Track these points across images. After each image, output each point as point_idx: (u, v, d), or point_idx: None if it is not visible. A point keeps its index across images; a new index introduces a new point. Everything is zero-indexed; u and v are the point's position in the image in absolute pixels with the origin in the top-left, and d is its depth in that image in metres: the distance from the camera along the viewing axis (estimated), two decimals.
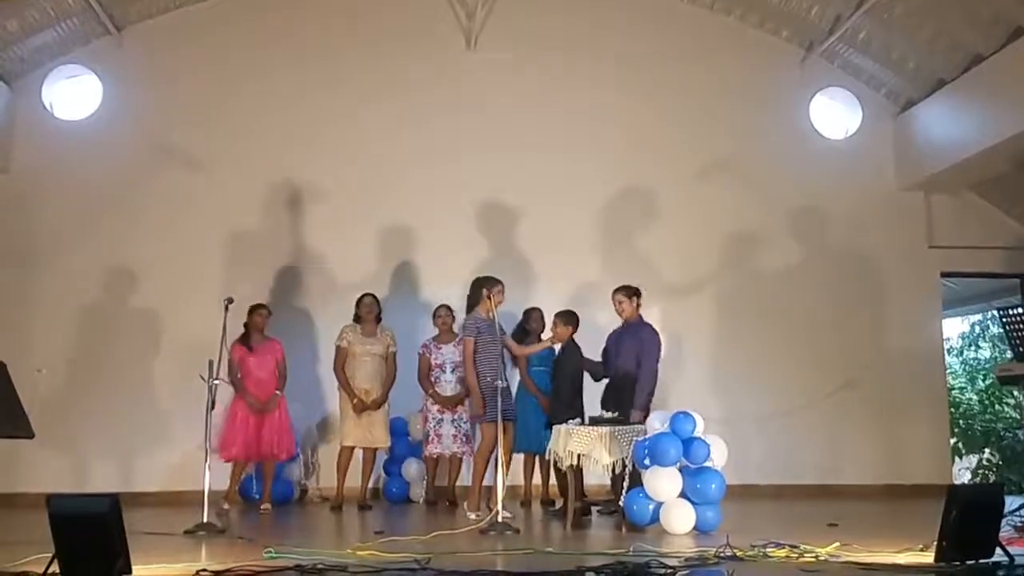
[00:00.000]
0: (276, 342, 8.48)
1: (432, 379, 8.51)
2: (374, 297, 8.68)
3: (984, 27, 9.12)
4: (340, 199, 9.80)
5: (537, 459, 8.38)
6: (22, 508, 7.94)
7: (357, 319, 8.60)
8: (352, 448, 8.47)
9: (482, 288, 7.50)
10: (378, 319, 8.62)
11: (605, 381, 7.75)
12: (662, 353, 7.60)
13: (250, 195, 9.73)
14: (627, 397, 7.25)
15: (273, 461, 8.35)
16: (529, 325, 8.53)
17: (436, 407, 8.44)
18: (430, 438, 8.45)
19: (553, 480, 8.16)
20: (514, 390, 8.31)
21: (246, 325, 8.30)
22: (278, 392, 8.30)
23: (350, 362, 8.47)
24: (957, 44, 9.54)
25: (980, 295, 12.88)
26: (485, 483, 7.62)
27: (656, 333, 7.55)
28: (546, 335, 8.15)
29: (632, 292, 7.61)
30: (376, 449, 8.57)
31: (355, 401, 8.35)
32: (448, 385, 8.44)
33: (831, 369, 10.05)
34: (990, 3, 8.92)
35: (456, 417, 8.39)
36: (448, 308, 8.62)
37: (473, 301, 7.67)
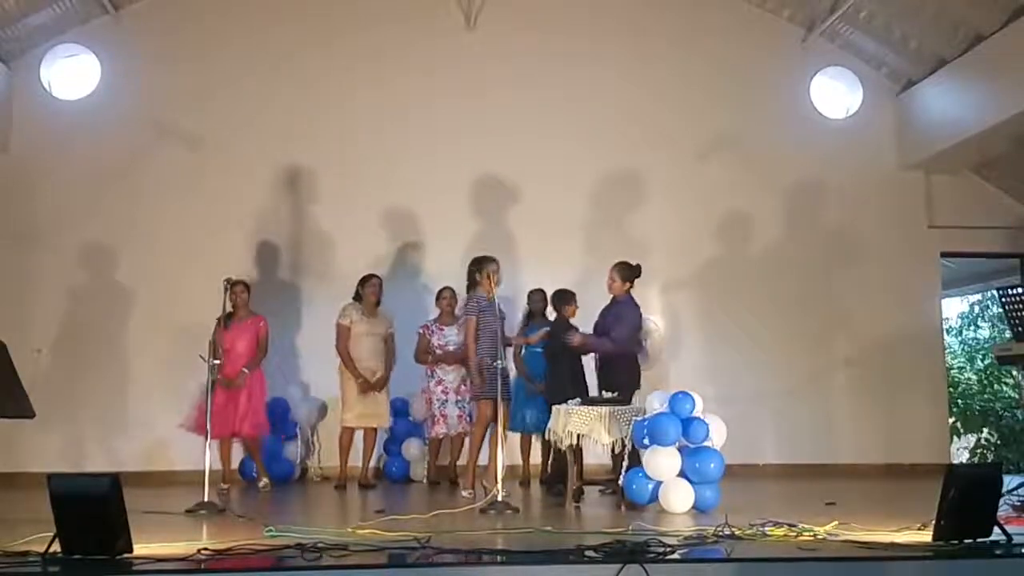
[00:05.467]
0: (259, 319, 8.41)
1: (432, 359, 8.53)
2: (380, 279, 8.71)
3: (985, 6, 9.08)
4: (339, 179, 9.79)
5: (536, 439, 8.38)
6: (23, 488, 7.95)
7: (358, 298, 8.60)
8: (353, 429, 8.53)
9: (478, 269, 7.56)
10: (379, 301, 8.64)
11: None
12: (643, 326, 7.67)
13: (249, 175, 9.70)
14: (614, 373, 7.31)
15: (247, 438, 8.33)
16: (532, 306, 8.54)
17: (440, 388, 8.42)
18: (436, 419, 8.42)
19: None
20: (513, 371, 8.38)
21: (233, 304, 8.25)
22: (244, 370, 8.21)
23: (352, 341, 8.49)
24: (958, 23, 9.50)
25: (980, 275, 12.88)
26: (482, 462, 7.65)
27: (636, 307, 7.57)
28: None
29: (629, 274, 7.60)
30: (376, 428, 8.61)
31: (360, 380, 8.39)
32: (451, 367, 8.41)
33: (830, 349, 10.08)
34: None
35: (460, 398, 8.39)
36: (452, 290, 8.60)
37: (472, 283, 7.71)
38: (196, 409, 7.97)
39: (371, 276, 8.69)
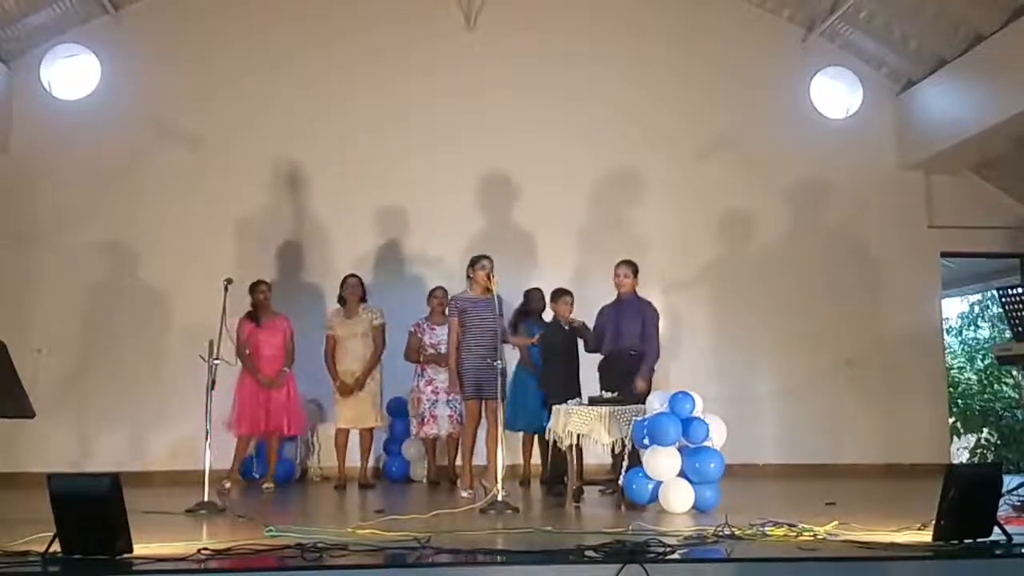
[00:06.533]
0: (284, 318, 8.47)
1: (423, 359, 8.54)
2: (358, 278, 8.65)
3: (985, 6, 9.08)
4: (340, 178, 9.79)
5: (536, 438, 8.37)
6: (23, 487, 7.96)
7: (341, 300, 8.59)
8: (346, 430, 8.53)
9: (470, 267, 7.49)
10: (363, 299, 8.60)
11: (598, 357, 7.82)
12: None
13: (250, 173, 9.71)
14: (631, 371, 7.33)
15: (279, 437, 8.39)
16: (529, 305, 8.50)
17: (430, 388, 8.45)
18: (425, 419, 8.46)
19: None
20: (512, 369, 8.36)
21: (252, 304, 8.30)
22: (285, 369, 8.31)
23: (338, 346, 8.51)
24: (958, 23, 9.50)
25: (980, 275, 12.88)
26: (481, 462, 7.64)
27: (651, 304, 7.66)
28: (547, 315, 8.29)
29: (636, 268, 7.67)
30: (371, 429, 8.59)
31: (337, 384, 8.43)
32: (442, 368, 8.37)
33: (831, 349, 10.07)
34: None
35: (451, 398, 8.38)
36: (444, 289, 8.60)
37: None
38: (232, 408, 8.17)
39: (348, 276, 8.65)
